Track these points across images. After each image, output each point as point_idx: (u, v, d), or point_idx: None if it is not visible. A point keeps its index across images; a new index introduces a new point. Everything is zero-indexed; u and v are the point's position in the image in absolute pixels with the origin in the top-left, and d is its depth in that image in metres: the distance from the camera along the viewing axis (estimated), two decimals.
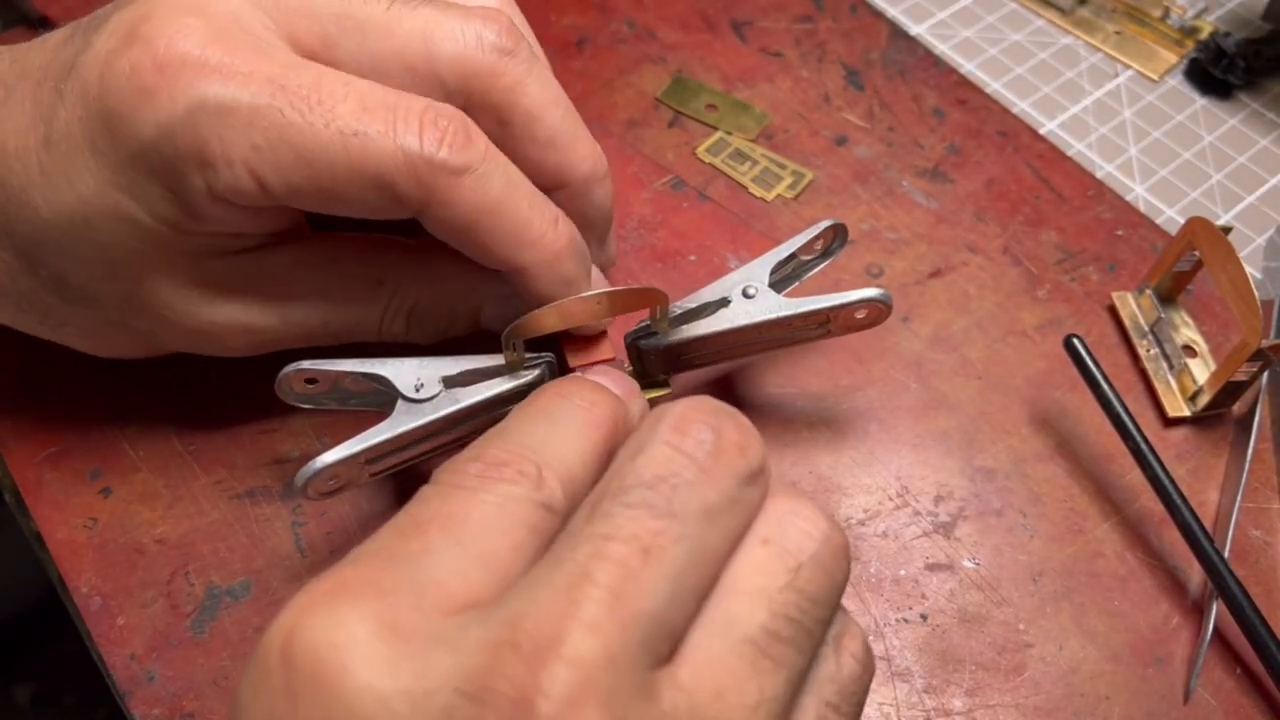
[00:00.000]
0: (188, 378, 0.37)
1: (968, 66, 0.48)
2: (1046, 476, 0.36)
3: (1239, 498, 0.35)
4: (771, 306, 0.33)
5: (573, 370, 0.33)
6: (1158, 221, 0.43)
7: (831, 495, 0.36)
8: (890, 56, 0.48)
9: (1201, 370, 0.38)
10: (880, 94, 0.46)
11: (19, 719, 0.89)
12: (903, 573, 0.34)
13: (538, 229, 0.30)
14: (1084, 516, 0.36)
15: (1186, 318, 0.40)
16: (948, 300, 0.40)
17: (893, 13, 0.50)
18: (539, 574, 0.21)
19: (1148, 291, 0.40)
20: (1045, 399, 0.38)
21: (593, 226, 0.34)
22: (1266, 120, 0.47)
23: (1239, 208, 0.44)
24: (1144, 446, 0.34)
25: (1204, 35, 0.49)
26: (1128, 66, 0.49)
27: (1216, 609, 0.33)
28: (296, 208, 0.29)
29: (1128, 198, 0.44)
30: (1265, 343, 0.34)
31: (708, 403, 0.24)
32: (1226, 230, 0.36)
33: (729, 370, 0.38)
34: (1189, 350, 0.39)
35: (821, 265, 0.36)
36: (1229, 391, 0.36)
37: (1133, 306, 0.40)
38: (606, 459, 0.25)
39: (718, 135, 0.45)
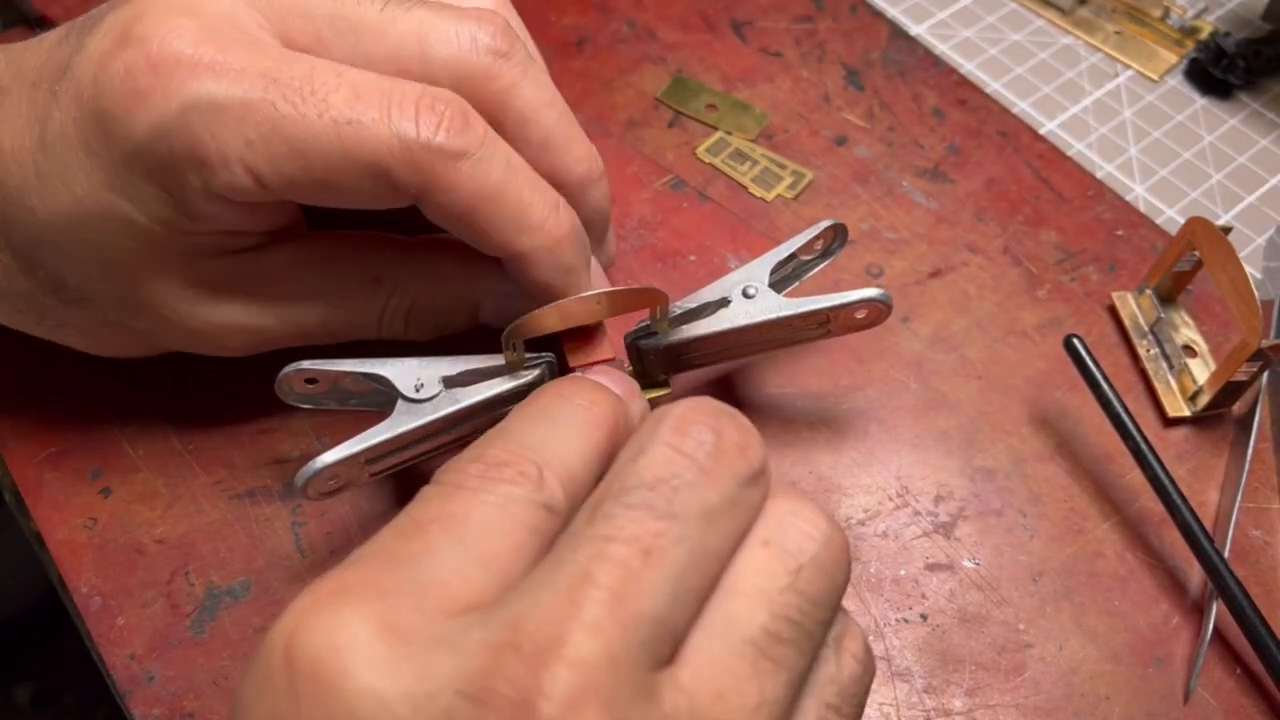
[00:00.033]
0: (187, 377, 0.37)
1: (968, 66, 0.48)
2: (1046, 476, 0.36)
3: (1239, 498, 0.35)
4: (771, 306, 0.33)
5: (573, 370, 0.33)
6: (1158, 221, 0.43)
7: (831, 495, 0.36)
8: (890, 56, 0.48)
9: (1201, 370, 0.38)
10: (880, 94, 0.46)
11: (19, 719, 0.88)
12: (903, 573, 0.34)
13: (539, 214, 0.30)
14: (1084, 516, 0.36)
15: (1186, 318, 0.40)
16: (948, 300, 0.40)
17: (893, 13, 0.50)
18: (540, 575, 0.21)
19: (1148, 291, 0.40)
20: (1045, 399, 0.38)
21: (590, 228, 0.33)
22: (1266, 120, 0.47)
23: (1239, 208, 0.44)
24: (1144, 446, 0.34)
25: (1204, 35, 0.49)
26: (1128, 66, 0.49)
27: (1216, 609, 0.33)
28: (295, 201, 0.29)
29: (1128, 198, 0.44)
30: (1265, 343, 0.34)
31: (708, 404, 0.24)
32: (1226, 230, 0.36)
33: (729, 370, 0.38)
34: (1189, 350, 0.39)
35: (821, 265, 0.36)
36: (1229, 391, 0.36)
37: (1133, 306, 0.40)
38: (607, 459, 0.25)
39: (718, 135, 0.45)
